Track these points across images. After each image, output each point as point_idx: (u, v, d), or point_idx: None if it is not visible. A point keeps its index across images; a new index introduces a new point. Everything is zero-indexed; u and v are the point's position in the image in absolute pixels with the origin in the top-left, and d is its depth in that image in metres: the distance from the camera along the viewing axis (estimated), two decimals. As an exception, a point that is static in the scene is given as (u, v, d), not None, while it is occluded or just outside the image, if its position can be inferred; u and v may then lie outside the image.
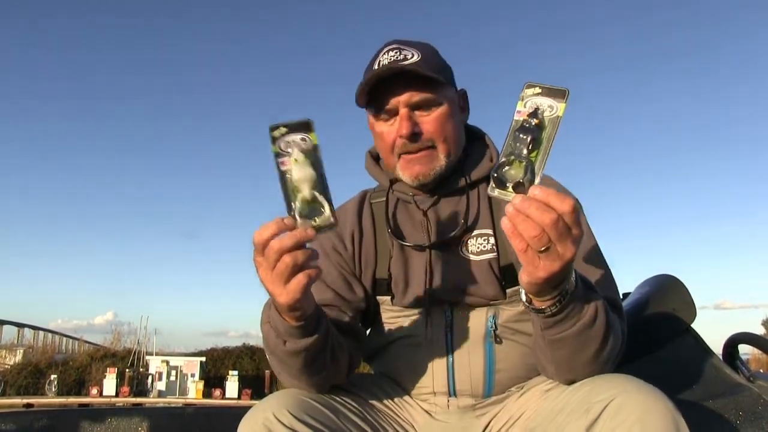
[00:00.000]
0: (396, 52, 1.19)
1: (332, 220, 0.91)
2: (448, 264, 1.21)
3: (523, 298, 0.99)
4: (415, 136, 1.18)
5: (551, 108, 0.87)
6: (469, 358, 1.18)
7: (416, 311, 1.22)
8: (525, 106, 0.89)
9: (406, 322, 1.23)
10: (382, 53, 1.21)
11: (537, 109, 0.88)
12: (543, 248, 0.85)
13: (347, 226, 1.29)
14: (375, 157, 1.35)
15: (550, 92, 0.88)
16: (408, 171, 1.21)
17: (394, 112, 1.20)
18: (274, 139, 0.91)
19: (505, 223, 0.86)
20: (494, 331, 1.17)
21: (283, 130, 0.92)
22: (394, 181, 1.29)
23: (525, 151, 0.86)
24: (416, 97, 1.18)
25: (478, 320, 1.19)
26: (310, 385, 1.09)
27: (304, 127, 0.92)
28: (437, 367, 1.19)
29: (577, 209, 0.85)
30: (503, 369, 1.18)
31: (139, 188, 38.02)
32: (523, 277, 0.91)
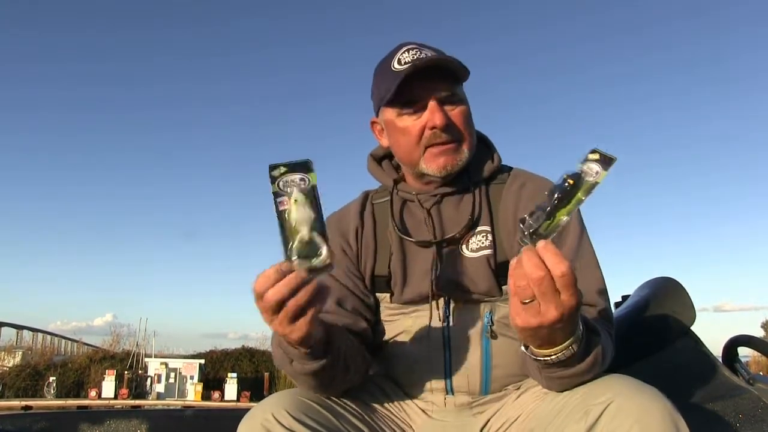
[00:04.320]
0: (417, 51, 1.19)
1: (329, 261, 0.88)
2: (447, 261, 1.21)
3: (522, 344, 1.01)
4: (447, 126, 1.18)
5: (596, 174, 0.91)
6: (466, 354, 1.18)
7: (414, 308, 1.23)
8: (578, 169, 0.93)
9: (404, 319, 1.24)
10: (400, 52, 1.20)
11: (582, 173, 0.92)
12: (526, 300, 0.89)
13: (351, 225, 1.30)
14: (377, 160, 1.37)
15: (603, 159, 0.92)
16: (435, 163, 1.21)
17: (421, 107, 1.19)
18: (273, 179, 0.90)
19: (510, 265, 0.91)
20: (491, 326, 1.18)
21: (283, 169, 0.90)
22: (397, 181, 1.31)
23: (549, 207, 0.90)
24: (446, 90, 1.19)
25: (474, 316, 1.19)
26: (323, 393, 1.11)
27: (303, 167, 0.91)
28: (435, 364, 1.20)
29: (570, 275, 0.87)
30: (500, 365, 1.18)
31: (137, 188, 37.99)
32: (510, 319, 0.95)
